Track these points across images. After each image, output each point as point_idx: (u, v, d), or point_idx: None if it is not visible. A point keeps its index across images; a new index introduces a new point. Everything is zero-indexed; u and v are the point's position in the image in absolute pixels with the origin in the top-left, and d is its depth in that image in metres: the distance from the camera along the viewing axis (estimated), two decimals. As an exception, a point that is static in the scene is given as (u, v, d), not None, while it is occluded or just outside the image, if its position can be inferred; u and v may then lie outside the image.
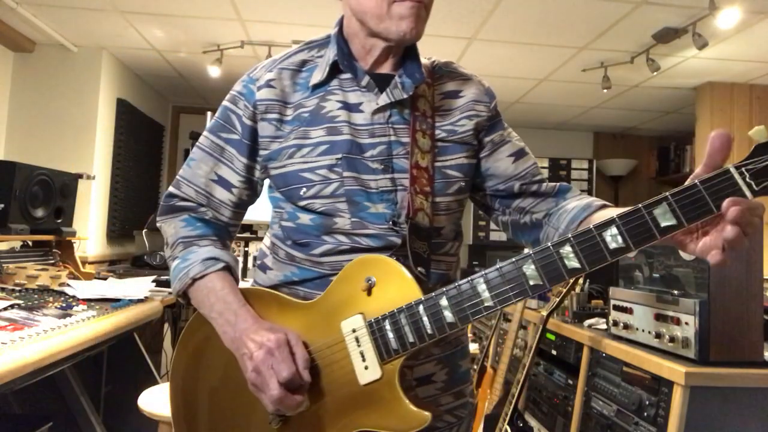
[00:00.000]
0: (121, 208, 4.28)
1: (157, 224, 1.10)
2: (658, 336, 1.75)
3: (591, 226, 0.79)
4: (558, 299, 2.24)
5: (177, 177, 1.09)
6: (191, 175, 1.06)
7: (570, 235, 0.79)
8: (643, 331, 1.84)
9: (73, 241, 2.91)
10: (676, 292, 1.75)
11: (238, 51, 3.82)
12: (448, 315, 0.85)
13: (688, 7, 3.00)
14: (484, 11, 3.17)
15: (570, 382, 2.24)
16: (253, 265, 1.12)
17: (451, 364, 1.07)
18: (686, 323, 1.66)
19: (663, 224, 0.75)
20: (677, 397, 1.59)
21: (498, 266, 0.84)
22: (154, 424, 1.88)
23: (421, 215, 0.97)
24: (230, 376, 0.98)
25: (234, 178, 1.05)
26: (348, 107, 1.00)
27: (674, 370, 1.60)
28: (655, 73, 3.72)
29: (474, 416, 1.13)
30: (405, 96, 0.99)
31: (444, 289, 0.86)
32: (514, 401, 2.22)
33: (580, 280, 2.32)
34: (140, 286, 2.70)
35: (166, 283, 2.74)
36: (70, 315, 1.82)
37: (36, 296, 2.10)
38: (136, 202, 4.52)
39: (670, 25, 3.24)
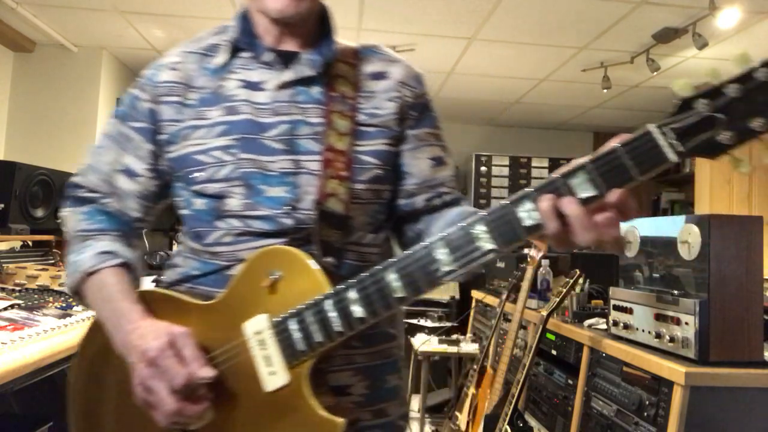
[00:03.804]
0: (121, 208, 4.27)
1: (61, 214, 1.02)
2: (658, 336, 1.75)
3: (507, 201, 0.71)
4: (558, 299, 2.24)
5: (82, 165, 1.02)
6: (96, 162, 1.00)
7: (484, 213, 0.72)
8: (643, 331, 1.84)
9: (73, 241, 2.90)
10: (676, 292, 1.75)
11: (238, 51, 3.82)
12: (357, 309, 0.78)
13: (688, 7, 3.00)
14: (484, 11, 3.17)
15: (570, 382, 2.24)
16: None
17: (374, 378, 0.96)
18: (686, 323, 1.66)
19: (583, 195, 0.67)
20: (677, 397, 1.58)
21: (409, 251, 0.76)
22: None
23: (334, 201, 0.89)
24: (125, 387, 0.87)
25: (139, 167, 0.97)
26: (249, 85, 0.93)
27: (674, 370, 1.60)
28: (655, 73, 3.72)
29: None
30: (313, 73, 0.93)
31: (353, 280, 0.79)
32: (514, 401, 2.22)
33: (580, 280, 2.32)
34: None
35: (166, 283, 2.73)
36: (70, 315, 1.82)
37: (36, 296, 2.10)
38: (136, 202, 4.52)
39: (670, 25, 3.24)
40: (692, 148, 0.64)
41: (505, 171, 5.60)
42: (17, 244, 2.67)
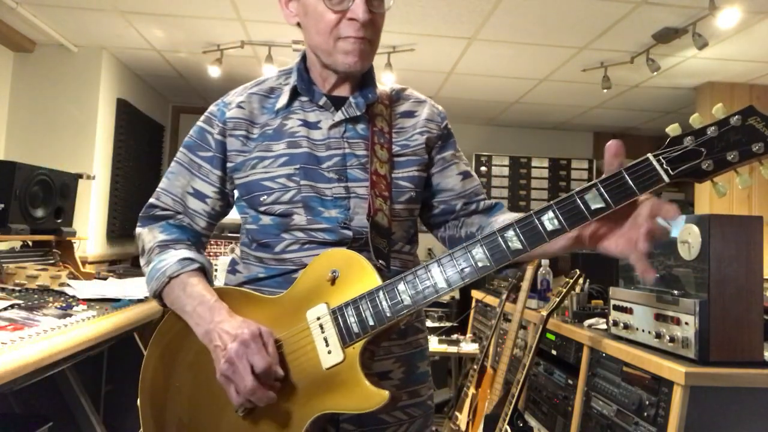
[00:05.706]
0: (121, 208, 4.28)
1: (136, 232, 1.18)
2: (658, 336, 1.75)
3: (531, 212, 0.88)
4: (558, 299, 2.24)
5: (157, 189, 1.18)
6: (169, 186, 1.17)
7: (513, 221, 0.89)
8: (643, 331, 1.84)
9: (73, 241, 2.91)
10: (676, 292, 1.75)
11: (238, 51, 3.82)
12: (405, 298, 0.93)
13: (688, 7, 3.00)
14: (484, 11, 3.17)
15: (570, 382, 2.24)
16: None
17: (409, 364, 1.15)
18: (686, 323, 1.66)
19: (593, 207, 0.85)
20: (677, 397, 1.59)
21: (450, 251, 0.92)
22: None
23: (380, 215, 1.08)
24: (200, 368, 1.04)
25: (208, 190, 1.15)
26: (308, 125, 1.11)
27: (674, 370, 1.60)
28: (655, 73, 3.72)
29: (430, 419, 1.21)
30: (358, 113, 1.11)
31: (402, 275, 0.94)
32: (514, 401, 2.22)
33: (580, 280, 2.32)
34: (140, 286, 2.69)
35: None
36: (70, 315, 1.82)
37: (36, 296, 2.10)
38: (136, 202, 4.52)
39: (670, 25, 3.24)
40: (680, 172, 0.83)
41: (505, 171, 5.60)
42: (17, 244, 2.67)
